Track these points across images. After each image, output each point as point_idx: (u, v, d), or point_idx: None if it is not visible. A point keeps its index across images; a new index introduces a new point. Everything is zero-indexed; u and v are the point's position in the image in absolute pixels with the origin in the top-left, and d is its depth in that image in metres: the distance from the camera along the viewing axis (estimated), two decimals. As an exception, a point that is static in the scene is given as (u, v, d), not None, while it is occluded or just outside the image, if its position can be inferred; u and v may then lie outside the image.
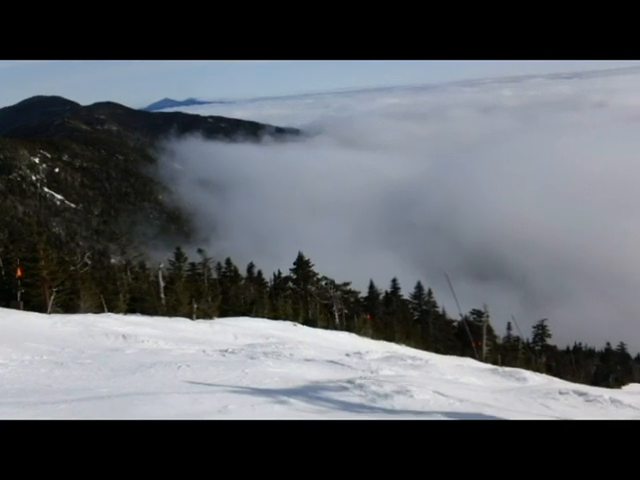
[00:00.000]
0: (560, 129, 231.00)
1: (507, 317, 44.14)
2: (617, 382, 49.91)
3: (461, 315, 35.20)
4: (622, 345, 65.34)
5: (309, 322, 30.50)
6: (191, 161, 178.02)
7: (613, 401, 9.74)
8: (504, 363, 32.30)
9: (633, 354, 67.51)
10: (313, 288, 36.97)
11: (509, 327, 45.11)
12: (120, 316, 21.31)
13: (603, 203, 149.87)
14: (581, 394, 9.81)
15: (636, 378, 58.76)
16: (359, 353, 14.29)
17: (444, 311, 44.01)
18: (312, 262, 37.07)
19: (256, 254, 74.44)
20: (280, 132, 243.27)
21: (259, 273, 40.33)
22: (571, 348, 57.74)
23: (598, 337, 65.55)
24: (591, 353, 59.89)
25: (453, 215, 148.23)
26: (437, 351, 31.01)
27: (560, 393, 9.74)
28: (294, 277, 37.76)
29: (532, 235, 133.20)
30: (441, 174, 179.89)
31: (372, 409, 6.09)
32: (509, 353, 41.02)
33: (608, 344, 64.19)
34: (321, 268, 37.91)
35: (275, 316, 29.63)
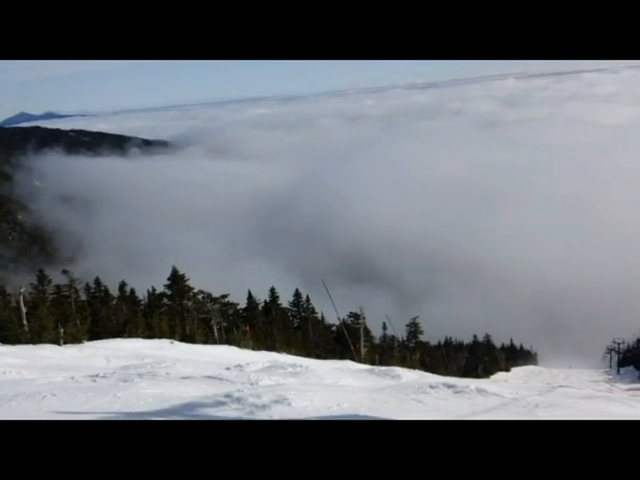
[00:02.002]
0: (421, 136, 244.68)
1: (382, 317, 45.78)
2: (485, 372, 53.51)
3: (339, 319, 36.04)
4: (487, 337, 70.29)
5: (187, 338, 29.70)
6: (52, 177, 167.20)
7: (479, 391, 10.39)
8: (381, 362, 33.44)
9: (498, 344, 72.81)
10: (190, 303, 36.02)
11: (385, 327, 46.75)
12: (-23, 348, 19.51)
13: (464, 204, 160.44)
14: (450, 386, 10.36)
15: (502, 367, 63.40)
16: (239, 366, 14.10)
17: (323, 316, 44.70)
18: (187, 276, 36.13)
19: (128, 271, 71.41)
20: (147, 144, 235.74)
21: (132, 291, 38.59)
22: (442, 343, 60.93)
23: (466, 330, 69.86)
24: (460, 346, 63.53)
25: (326, 221, 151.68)
26: (318, 356, 31.42)
27: (431, 387, 10.22)
28: (169, 293, 36.55)
29: (401, 237, 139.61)
30: (312, 182, 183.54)
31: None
32: (386, 352, 42.51)
33: (475, 336, 68.70)
34: (197, 282, 37.08)
35: (150, 335, 28.51)
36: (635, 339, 66.52)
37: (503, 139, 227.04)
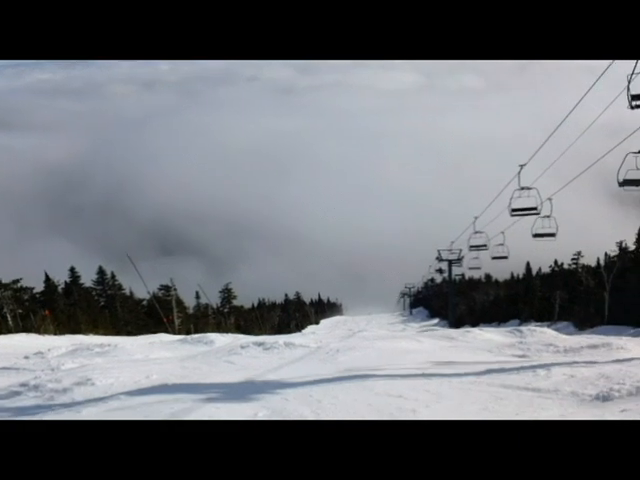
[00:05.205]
0: (219, 103, 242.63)
1: (195, 287, 45.51)
2: (297, 327, 56.01)
3: (149, 293, 35.06)
4: (298, 294, 73.59)
5: (-25, 332, 26.72)
6: None
7: (287, 345, 11.00)
8: (197, 331, 33.34)
9: (307, 300, 76.75)
10: (-26, 293, 32.31)
11: (197, 296, 46.44)
12: None
13: (263, 170, 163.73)
14: (260, 344, 10.81)
15: (312, 320, 67.00)
16: (40, 353, 13.17)
17: (131, 292, 42.98)
18: (-32, 264, 32.32)
19: None
20: None
21: None
22: (256, 304, 62.47)
23: (278, 291, 72.38)
24: (274, 306, 65.60)
25: (124, 193, 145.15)
26: (129, 334, 30.34)
27: (242, 347, 10.57)
28: (-53, 285, 32.42)
29: (205, 205, 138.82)
30: (105, 152, 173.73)
31: (51, 407, 5.73)
32: (200, 320, 42.37)
33: (286, 295, 71.54)
34: (-19, 269, 33.40)
35: None
36: (423, 283, 74.31)
37: (298, 105, 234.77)
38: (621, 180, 10.41)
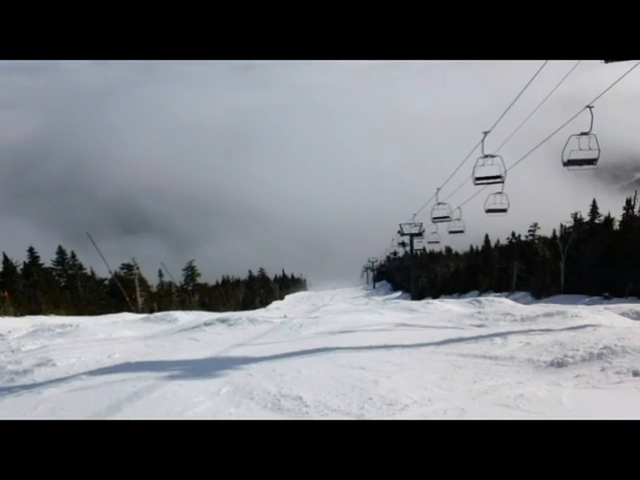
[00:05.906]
0: (179, 79, 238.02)
1: (158, 265, 45.15)
2: (262, 303, 56.15)
3: (111, 272, 34.64)
4: (262, 270, 73.65)
5: None
6: None
7: (251, 320, 11.07)
8: (161, 309, 33.15)
9: (272, 276, 76.81)
10: None
11: (161, 274, 46.09)
12: None
13: (225, 146, 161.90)
14: (224, 321, 10.84)
15: (277, 296, 67.25)
16: (0, 335, 12.96)
17: (93, 272, 42.38)
18: None
19: None
20: None
21: None
22: (220, 282, 62.27)
23: (242, 267, 72.35)
24: (238, 282, 65.54)
25: (83, 171, 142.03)
26: (91, 313, 29.96)
27: (206, 325, 10.59)
28: None
29: (167, 183, 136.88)
30: (62, 129, 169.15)
31: (10, 389, 5.68)
32: (164, 299, 42.07)
33: (250, 272, 71.51)
34: None
35: None
36: (385, 257, 75.10)
37: (258, 81, 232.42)
38: (565, 160, 10.91)
